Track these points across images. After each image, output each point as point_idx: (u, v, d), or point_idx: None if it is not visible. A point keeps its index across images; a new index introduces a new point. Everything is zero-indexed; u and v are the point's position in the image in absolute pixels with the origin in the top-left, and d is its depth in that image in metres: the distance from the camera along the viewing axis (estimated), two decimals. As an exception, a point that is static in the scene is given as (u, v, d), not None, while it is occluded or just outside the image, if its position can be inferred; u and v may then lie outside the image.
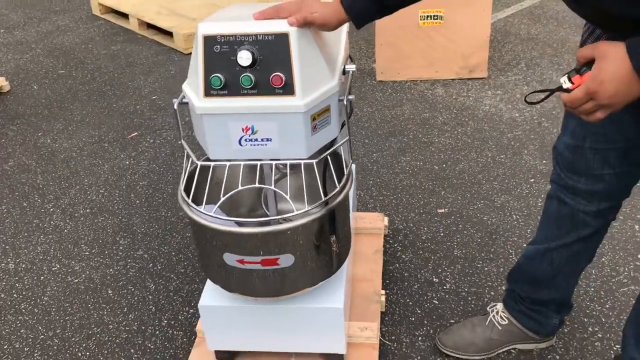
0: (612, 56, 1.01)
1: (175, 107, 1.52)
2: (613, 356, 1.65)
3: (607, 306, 1.88)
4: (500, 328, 1.72)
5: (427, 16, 3.23)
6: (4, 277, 2.18)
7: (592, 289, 1.95)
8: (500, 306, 1.76)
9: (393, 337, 1.83)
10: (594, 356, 1.73)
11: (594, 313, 1.86)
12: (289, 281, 1.49)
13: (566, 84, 1.09)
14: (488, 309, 1.79)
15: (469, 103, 3.13)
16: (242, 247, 1.42)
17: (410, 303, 1.95)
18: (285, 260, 1.44)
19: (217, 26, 1.37)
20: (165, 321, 1.95)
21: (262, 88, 1.37)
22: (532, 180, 2.51)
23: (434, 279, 2.04)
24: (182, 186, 1.52)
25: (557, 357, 1.74)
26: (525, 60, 3.57)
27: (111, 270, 2.17)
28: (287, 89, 1.37)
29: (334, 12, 1.34)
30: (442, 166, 2.63)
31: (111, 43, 4.22)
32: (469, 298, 1.96)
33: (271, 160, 1.46)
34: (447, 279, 2.04)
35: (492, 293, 1.97)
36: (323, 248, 1.49)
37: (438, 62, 3.36)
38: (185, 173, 1.57)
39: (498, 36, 3.89)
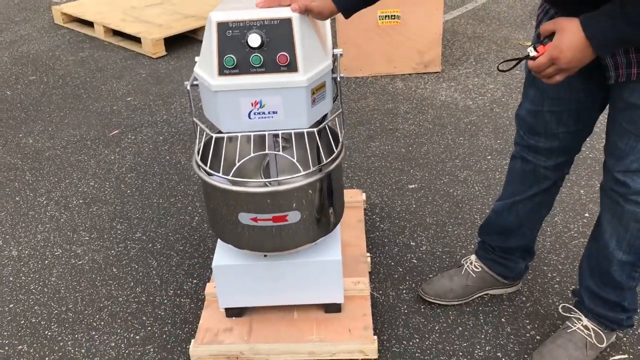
0: (569, 29, 1.26)
1: (188, 87, 1.72)
2: (572, 288, 1.92)
3: (562, 256, 2.18)
4: (474, 275, 1.98)
5: (385, 16, 3.51)
6: (9, 262, 2.30)
7: (549, 243, 2.24)
8: (473, 257, 2.02)
9: (380, 292, 2.07)
10: (554, 295, 2.01)
11: (552, 262, 2.14)
12: (295, 236, 1.70)
13: (532, 53, 1.34)
14: (462, 261, 2.05)
15: (426, 94, 3.42)
16: (256, 205, 1.63)
17: (392, 263, 2.18)
18: (293, 216, 1.65)
19: (228, 14, 1.58)
20: (172, 291, 2.12)
21: (269, 66, 1.58)
22: (490, 157, 2.80)
23: (411, 243, 2.29)
24: (197, 157, 1.71)
25: (524, 298, 2.01)
26: (474, 56, 3.89)
27: (112, 251, 2.32)
28: (291, 66, 1.58)
29: (327, 4, 1.57)
30: (409, 149, 2.89)
31: (78, 50, 4.33)
32: (443, 256, 2.21)
33: (276, 130, 1.68)
34: (423, 242, 2.29)
35: (463, 251, 2.23)
36: (324, 206, 1.71)
37: (396, 58, 3.64)
38: (199, 145, 1.76)
39: (447, 35, 4.22)
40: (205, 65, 1.65)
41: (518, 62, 1.45)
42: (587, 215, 2.37)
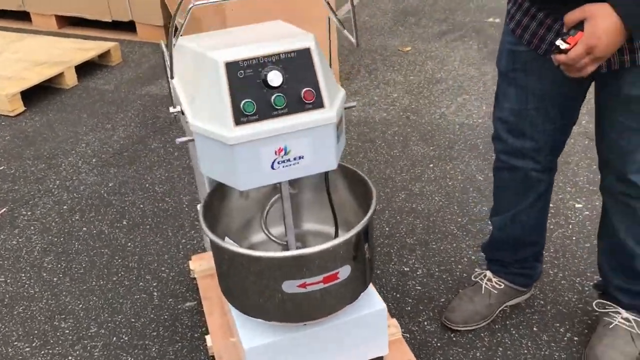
0: (602, 14, 1.21)
1: (178, 142, 1.42)
2: (593, 283, 1.93)
3: (552, 250, 2.18)
4: (496, 292, 1.90)
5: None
6: None
7: (532, 240, 2.24)
8: (489, 274, 1.93)
9: (402, 329, 1.90)
10: (568, 292, 2.00)
11: (546, 259, 2.13)
12: (345, 294, 1.48)
13: (563, 45, 1.26)
14: (475, 278, 1.96)
15: (337, 112, 3.31)
16: (306, 269, 1.38)
17: (399, 296, 2.03)
18: (344, 272, 1.43)
19: (234, 51, 1.34)
20: (168, 389, 1.77)
21: (294, 106, 1.36)
22: (432, 165, 2.77)
23: (405, 269, 2.15)
24: (206, 229, 1.41)
25: (542, 302, 1.97)
26: (364, 67, 3.88)
27: (70, 359, 1.88)
28: (317, 102, 1.38)
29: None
30: (349, 171, 2.76)
31: None
32: (443, 276, 2.11)
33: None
34: (416, 266, 2.17)
35: (459, 266, 2.15)
36: (367, 255, 1.51)
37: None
38: (205, 209, 1.47)
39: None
40: (208, 115, 1.37)
41: (546, 56, 1.38)
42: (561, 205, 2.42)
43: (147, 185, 2.77)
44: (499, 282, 1.91)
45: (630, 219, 1.58)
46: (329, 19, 1.62)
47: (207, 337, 1.84)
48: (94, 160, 3.00)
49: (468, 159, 2.79)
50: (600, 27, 1.22)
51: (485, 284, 1.91)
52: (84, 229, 2.49)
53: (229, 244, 1.42)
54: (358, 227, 1.40)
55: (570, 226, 2.30)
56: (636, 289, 1.70)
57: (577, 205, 2.40)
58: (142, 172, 2.87)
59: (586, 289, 2.00)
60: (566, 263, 2.13)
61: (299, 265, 1.38)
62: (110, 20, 4.65)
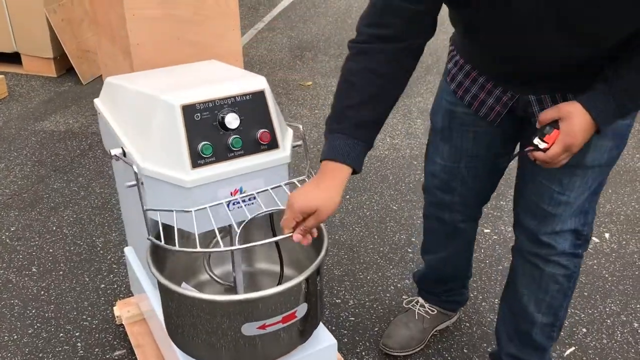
0: (576, 113, 1.26)
1: (126, 186, 1.37)
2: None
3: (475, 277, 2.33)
4: (429, 317, 1.99)
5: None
6: None
7: (451, 266, 2.37)
8: (420, 300, 2.03)
9: (342, 361, 1.94)
10: (488, 313, 2.14)
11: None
12: (301, 333, 1.49)
13: (542, 144, 1.30)
14: (407, 305, 2.04)
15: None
16: (267, 309, 1.37)
17: (334, 328, 2.06)
18: (301, 310, 1.45)
19: (191, 94, 1.34)
20: None
21: (250, 147, 1.38)
22: (348, 196, 2.85)
23: (337, 301, 2.19)
24: (157, 274, 1.37)
25: (467, 324, 2.09)
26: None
27: None
28: (273, 144, 1.40)
29: (342, 182, 1.31)
30: (268, 205, 2.77)
31: None
32: (375, 305, 2.17)
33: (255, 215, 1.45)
34: (347, 297, 2.21)
35: (388, 294, 2.22)
36: (319, 291, 1.53)
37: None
38: (153, 257, 1.42)
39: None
40: (160, 158, 1.35)
41: (524, 154, 1.43)
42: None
43: (54, 228, 2.60)
44: (431, 308, 2.00)
45: (536, 284, 1.58)
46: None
47: (145, 387, 1.76)
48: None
49: (381, 189, 2.91)
50: (577, 126, 1.26)
51: (418, 310, 2.00)
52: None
53: (187, 290, 1.38)
54: (316, 264, 1.42)
55: (482, 250, 2.47)
56: (526, 359, 1.70)
57: (485, 231, 2.58)
58: (46, 214, 2.70)
59: (504, 308, 2.15)
60: (483, 285, 2.28)
61: (261, 307, 1.37)
62: (-10, 52, 4.35)
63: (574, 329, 2.06)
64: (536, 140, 1.32)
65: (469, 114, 1.56)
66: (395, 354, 1.93)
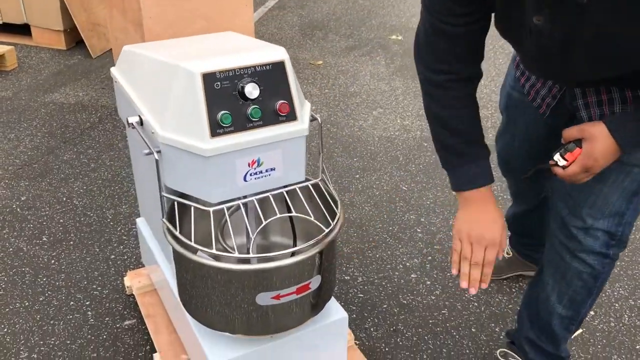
0: (599, 136, 1.24)
1: (156, 157, 1.37)
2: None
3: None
4: (506, 257, 2.17)
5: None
6: None
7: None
8: (508, 240, 2.13)
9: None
10: (496, 294, 2.15)
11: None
12: (314, 304, 1.50)
13: (561, 162, 1.30)
14: None
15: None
16: (282, 280, 1.38)
17: (343, 304, 2.07)
18: (315, 282, 1.45)
19: (213, 63, 1.32)
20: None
21: (269, 118, 1.37)
22: (358, 176, 2.85)
23: (346, 277, 2.20)
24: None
25: (475, 304, 2.10)
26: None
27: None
28: (291, 115, 1.40)
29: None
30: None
31: None
32: (383, 282, 2.18)
33: (277, 190, 1.44)
34: (356, 274, 2.22)
35: (396, 273, 2.23)
36: (333, 265, 1.54)
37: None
38: (172, 222, 1.43)
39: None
40: (179, 127, 1.34)
41: (543, 170, 1.41)
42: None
43: (64, 198, 2.61)
44: (509, 251, 2.18)
45: (560, 275, 1.55)
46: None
47: (155, 356, 1.77)
48: None
49: (390, 170, 2.90)
50: (598, 150, 1.24)
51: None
52: (-1, 247, 2.31)
53: (203, 258, 1.39)
54: (330, 237, 1.43)
55: (492, 232, 2.47)
56: (543, 346, 1.68)
57: (495, 213, 2.58)
58: (56, 185, 2.70)
59: (513, 290, 2.16)
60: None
61: (275, 277, 1.38)
62: (0, 23, 4.33)
63: (582, 312, 2.07)
64: (557, 157, 1.31)
65: (523, 102, 1.59)
66: None
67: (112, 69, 1.73)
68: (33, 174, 2.78)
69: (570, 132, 1.30)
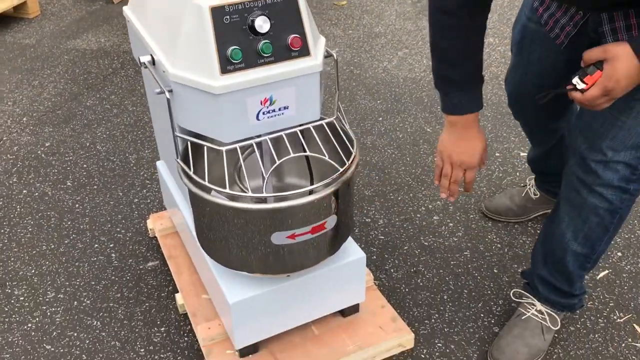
0: (622, 56, 1.16)
1: (168, 96, 1.35)
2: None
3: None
4: (534, 198, 2.14)
5: None
6: None
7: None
8: (534, 181, 2.14)
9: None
10: (520, 235, 2.11)
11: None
12: (330, 244, 1.49)
13: (580, 85, 1.22)
14: (527, 180, 2.18)
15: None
16: (296, 219, 1.37)
17: (363, 246, 2.06)
18: (331, 222, 1.43)
19: (220, -5, 1.26)
20: (142, 350, 1.72)
21: (280, 54, 1.33)
22: (381, 118, 2.79)
23: (367, 220, 2.19)
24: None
25: (498, 245, 2.07)
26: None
27: (30, 325, 1.79)
28: (304, 50, 1.35)
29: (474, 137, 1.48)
30: (299, 125, 2.74)
31: None
32: (405, 225, 2.16)
33: (290, 129, 1.41)
34: (377, 216, 2.20)
35: (418, 215, 2.21)
36: (349, 205, 1.51)
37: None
38: (186, 162, 1.41)
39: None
40: (189, 64, 1.31)
41: (561, 94, 1.30)
42: (507, 154, 2.52)
43: (87, 144, 2.63)
44: (537, 192, 2.14)
45: (576, 212, 1.50)
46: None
47: (177, 296, 1.80)
48: (24, 119, 2.81)
49: (415, 112, 2.84)
50: (620, 71, 1.17)
51: (529, 188, 2.16)
52: (25, 191, 2.34)
53: (217, 198, 1.38)
54: (346, 176, 1.40)
55: (518, 173, 2.41)
56: (556, 284, 1.65)
57: (521, 154, 2.52)
58: (79, 131, 2.72)
59: (538, 231, 2.11)
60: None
61: (290, 217, 1.36)
62: (22, -31, 4.30)
63: (609, 253, 2.02)
64: (575, 80, 1.23)
65: (540, 33, 1.52)
66: (490, 216, 2.18)
67: (125, 8, 1.69)
68: (57, 120, 2.80)
69: (592, 53, 1.22)
